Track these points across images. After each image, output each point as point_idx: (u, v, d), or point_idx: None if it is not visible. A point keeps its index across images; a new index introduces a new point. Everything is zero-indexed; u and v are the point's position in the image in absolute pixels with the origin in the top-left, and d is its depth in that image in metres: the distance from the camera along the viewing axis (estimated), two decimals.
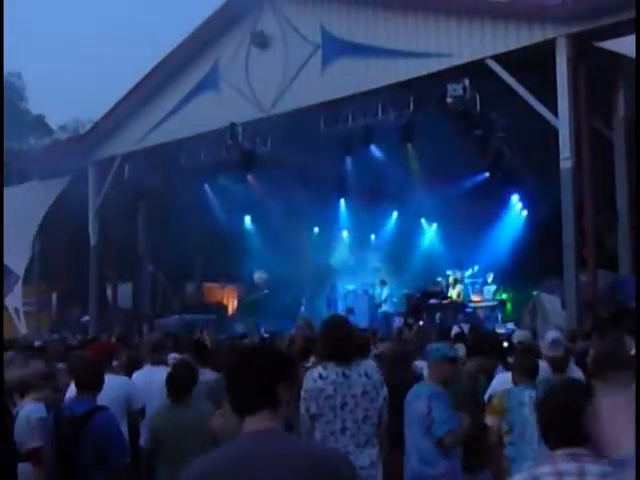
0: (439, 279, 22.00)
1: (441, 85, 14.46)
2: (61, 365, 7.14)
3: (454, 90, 14.19)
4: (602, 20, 12.77)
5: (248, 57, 17.77)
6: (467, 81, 14.16)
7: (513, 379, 5.45)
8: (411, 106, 15.50)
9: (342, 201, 23.14)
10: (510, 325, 17.47)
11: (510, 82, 13.88)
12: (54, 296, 24.32)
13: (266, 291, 21.13)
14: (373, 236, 24.57)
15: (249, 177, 19.46)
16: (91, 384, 4.91)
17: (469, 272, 21.91)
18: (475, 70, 14.29)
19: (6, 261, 17.75)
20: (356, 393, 4.42)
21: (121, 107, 19.85)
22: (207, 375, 6.42)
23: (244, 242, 22.01)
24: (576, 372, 6.24)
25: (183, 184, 19.39)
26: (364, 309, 21.35)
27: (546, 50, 13.44)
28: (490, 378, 6.29)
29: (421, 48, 15.08)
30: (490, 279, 21.42)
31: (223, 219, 21.31)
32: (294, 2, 17.37)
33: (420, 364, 7.04)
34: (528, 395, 5.15)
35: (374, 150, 18.19)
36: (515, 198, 22.20)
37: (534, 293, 15.71)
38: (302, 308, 22.00)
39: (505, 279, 20.85)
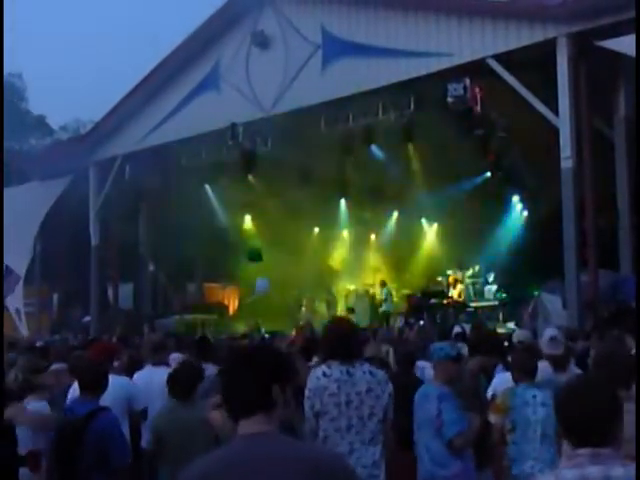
0: (440, 279, 22.02)
1: (442, 85, 14.46)
2: (62, 365, 7.14)
3: (455, 90, 14.18)
4: (603, 19, 12.76)
5: (249, 57, 17.77)
6: (468, 81, 14.15)
7: (513, 378, 5.45)
8: (412, 106, 15.49)
9: (342, 201, 23.15)
10: (511, 325, 17.49)
11: (511, 82, 13.87)
12: (55, 297, 24.32)
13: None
14: (373, 236, 24.58)
15: (249, 177, 19.47)
16: (94, 385, 4.90)
17: (470, 272, 21.92)
18: (476, 70, 14.28)
19: (7, 262, 17.79)
20: (360, 390, 4.43)
21: (122, 107, 19.86)
22: (210, 370, 6.43)
23: (244, 242, 22.03)
24: (575, 371, 6.24)
25: (184, 184, 19.40)
26: (364, 309, 21.37)
27: (547, 49, 13.43)
28: (490, 377, 6.30)
29: (422, 48, 15.07)
30: (491, 279, 21.43)
31: (223, 219, 21.33)
32: (294, 2, 17.37)
33: (421, 364, 7.06)
34: (531, 395, 5.15)
35: (374, 150, 18.19)
36: (516, 198, 22.21)
37: (535, 293, 15.71)
38: (302, 309, 22.02)
39: (506, 279, 20.84)
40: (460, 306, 19.76)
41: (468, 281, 21.70)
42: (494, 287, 21.07)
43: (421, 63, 15.03)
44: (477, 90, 14.34)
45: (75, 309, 23.13)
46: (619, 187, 14.25)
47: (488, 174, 19.83)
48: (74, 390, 5.56)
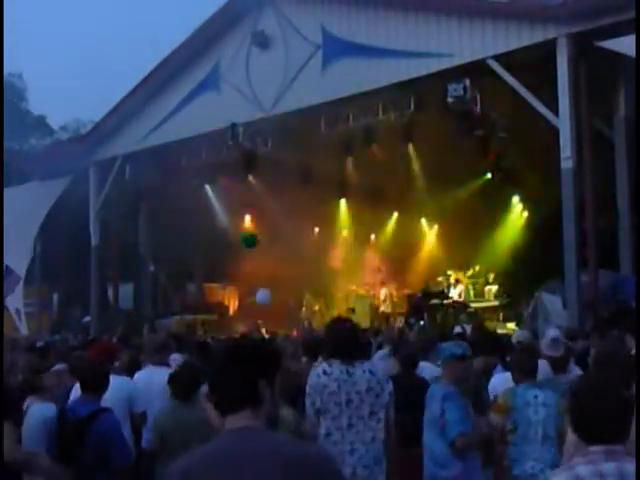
0: (440, 279, 22.03)
1: (442, 85, 14.46)
2: (64, 366, 7.14)
3: (455, 90, 14.19)
4: (603, 20, 12.76)
5: (249, 57, 17.77)
6: (468, 81, 14.16)
7: (513, 378, 5.45)
8: (412, 106, 15.49)
9: (342, 201, 23.16)
10: (511, 325, 17.51)
11: (511, 82, 13.87)
12: (55, 297, 24.33)
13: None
14: (373, 236, 24.59)
15: (249, 177, 19.47)
16: (95, 385, 4.90)
17: (470, 272, 21.94)
18: (476, 70, 14.29)
19: (7, 262, 17.80)
20: (360, 389, 4.46)
21: (122, 107, 19.86)
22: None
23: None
24: (576, 371, 6.25)
25: (184, 184, 19.39)
26: (365, 309, 21.39)
27: (547, 50, 13.43)
28: (488, 377, 6.30)
29: (422, 48, 15.07)
30: (491, 279, 21.45)
31: (223, 219, 21.33)
32: (295, 2, 17.37)
33: (421, 364, 7.06)
34: (532, 395, 5.15)
35: (375, 150, 18.20)
36: (516, 198, 22.23)
37: (535, 293, 15.72)
38: (303, 309, 22.04)
39: (506, 279, 20.87)
40: (460, 306, 19.77)
41: (468, 281, 21.73)
42: (494, 287, 21.10)
43: (421, 63, 15.03)
44: (477, 90, 14.35)
45: (75, 309, 23.14)
46: (619, 187, 14.25)
47: (488, 174, 19.85)
48: (76, 390, 5.56)
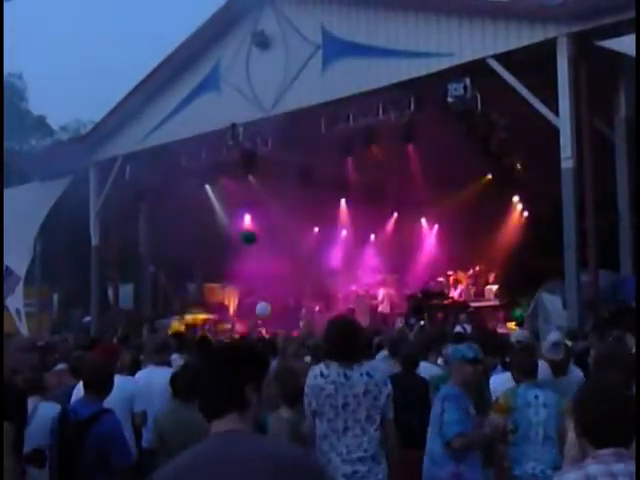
0: (440, 279, 22.03)
1: (442, 85, 14.46)
2: (64, 365, 7.15)
3: (455, 90, 14.18)
4: (603, 19, 12.76)
5: (249, 57, 17.76)
6: (468, 81, 14.16)
7: (514, 378, 5.45)
8: (412, 106, 15.49)
9: (342, 201, 23.16)
10: (511, 325, 17.51)
11: (511, 82, 13.87)
12: (55, 297, 24.33)
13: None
14: (373, 236, 24.59)
15: (249, 177, 19.47)
16: (99, 386, 4.87)
17: (470, 272, 21.93)
18: (476, 70, 14.28)
19: (7, 262, 17.78)
20: (358, 393, 4.42)
21: (122, 108, 19.85)
22: None
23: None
24: (576, 372, 6.25)
25: (184, 184, 19.40)
26: (364, 309, 21.37)
27: (547, 49, 13.43)
28: (487, 377, 6.30)
29: (422, 48, 15.06)
30: (491, 279, 21.45)
31: (223, 219, 21.32)
32: (294, 2, 17.36)
33: (421, 364, 7.05)
34: (533, 395, 5.15)
35: (375, 150, 18.20)
36: (516, 198, 22.23)
37: (535, 293, 15.71)
38: (303, 309, 22.03)
39: (506, 279, 20.86)
40: (460, 306, 19.76)
41: (468, 281, 21.72)
42: (494, 287, 21.09)
43: (421, 63, 15.03)
44: (477, 90, 14.35)
45: (75, 309, 23.14)
46: (619, 187, 14.24)
47: (488, 174, 19.85)
48: (78, 390, 5.55)
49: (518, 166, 19.62)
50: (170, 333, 13.79)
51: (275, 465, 2.19)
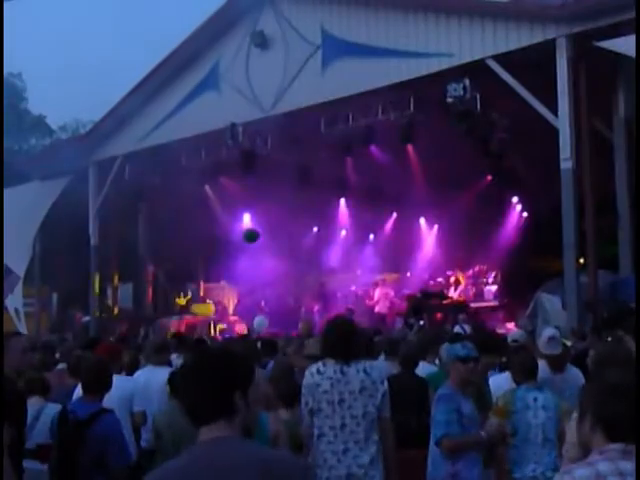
0: (440, 279, 22.03)
1: (441, 85, 14.47)
2: (64, 365, 7.15)
3: (454, 90, 14.19)
4: (602, 20, 12.76)
5: (248, 57, 17.77)
6: (467, 81, 14.16)
7: (514, 379, 5.44)
8: (411, 106, 15.50)
9: (342, 201, 23.16)
10: (510, 325, 17.50)
11: (510, 82, 13.88)
12: (55, 296, 24.32)
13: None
14: (372, 236, 24.59)
15: (249, 177, 19.45)
16: (97, 386, 4.88)
17: (470, 272, 21.92)
18: (475, 70, 14.29)
19: (6, 261, 17.77)
20: (354, 389, 4.44)
21: (121, 107, 19.84)
22: None
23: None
24: (573, 370, 6.25)
25: (183, 184, 19.39)
26: (364, 309, 21.37)
27: (546, 50, 13.44)
28: (487, 377, 6.29)
29: (421, 48, 15.08)
30: (491, 279, 21.44)
31: (223, 219, 21.31)
32: (294, 2, 17.36)
33: (420, 364, 7.05)
34: (532, 397, 5.14)
35: (374, 150, 18.19)
36: (515, 198, 22.23)
37: (535, 294, 15.72)
38: (302, 309, 22.03)
39: (505, 279, 20.86)
40: (460, 306, 19.75)
41: (467, 281, 21.72)
42: (494, 287, 21.08)
43: (421, 63, 15.04)
44: (477, 91, 14.35)
45: (75, 309, 23.13)
46: (618, 188, 14.24)
47: (487, 174, 19.84)
48: (79, 390, 5.55)
49: (518, 166, 19.61)
50: (170, 334, 13.79)
51: (264, 470, 2.19)
